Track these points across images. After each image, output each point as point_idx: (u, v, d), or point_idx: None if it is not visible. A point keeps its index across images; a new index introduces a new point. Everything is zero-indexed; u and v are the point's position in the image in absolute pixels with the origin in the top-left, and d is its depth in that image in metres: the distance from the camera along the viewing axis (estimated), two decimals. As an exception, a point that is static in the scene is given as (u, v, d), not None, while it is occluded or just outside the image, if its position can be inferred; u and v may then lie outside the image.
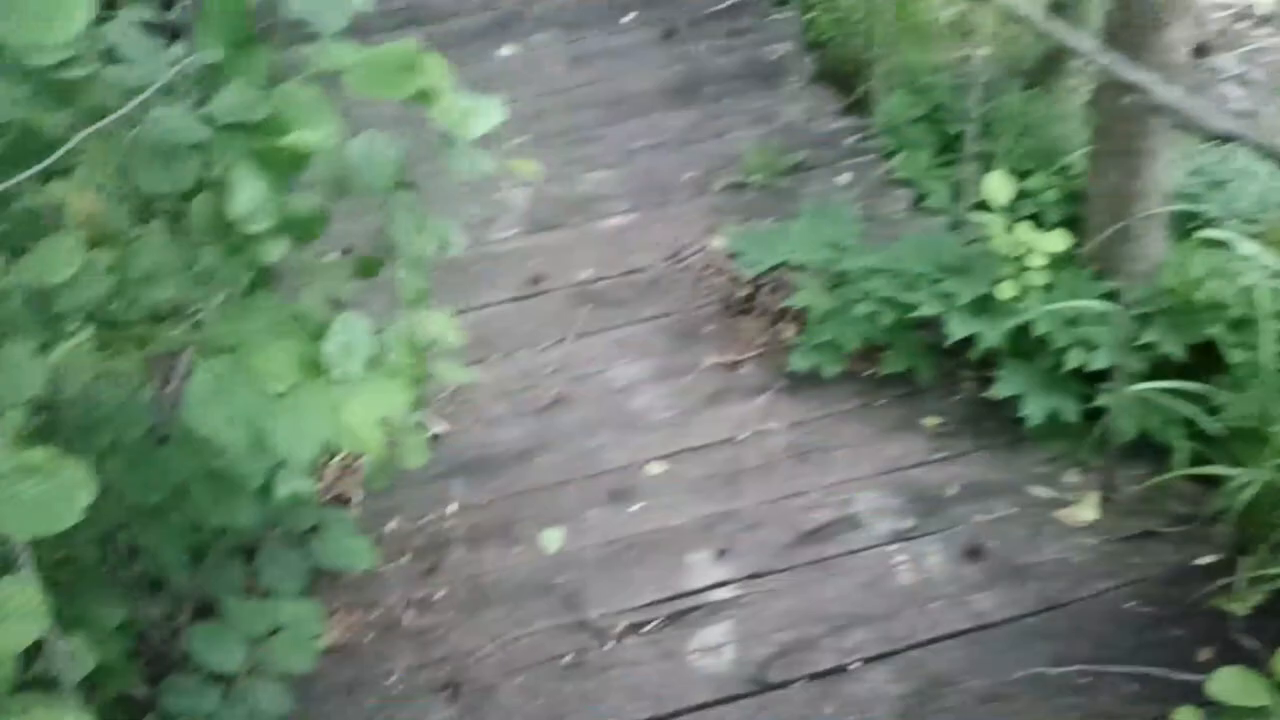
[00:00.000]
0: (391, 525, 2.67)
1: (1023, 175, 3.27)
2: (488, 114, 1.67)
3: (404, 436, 2.09)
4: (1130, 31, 2.37)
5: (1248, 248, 2.57)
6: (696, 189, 3.58)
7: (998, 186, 2.63)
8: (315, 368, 1.46)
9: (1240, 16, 5.52)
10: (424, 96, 1.80)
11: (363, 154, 1.69)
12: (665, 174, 3.65)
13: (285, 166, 1.64)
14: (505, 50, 4.19)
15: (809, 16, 4.22)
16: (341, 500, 2.70)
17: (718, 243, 3.34)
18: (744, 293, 3.18)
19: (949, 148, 3.56)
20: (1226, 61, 4.93)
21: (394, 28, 4.29)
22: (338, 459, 2.74)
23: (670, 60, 4.13)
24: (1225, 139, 1.74)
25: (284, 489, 1.95)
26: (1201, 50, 4.93)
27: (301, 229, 1.69)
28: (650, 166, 3.69)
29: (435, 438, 2.84)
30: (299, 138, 1.61)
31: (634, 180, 3.64)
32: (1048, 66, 3.56)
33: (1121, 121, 2.47)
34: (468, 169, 1.69)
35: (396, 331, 1.75)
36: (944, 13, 4.11)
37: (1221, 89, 4.72)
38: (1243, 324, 2.50)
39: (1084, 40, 2.18)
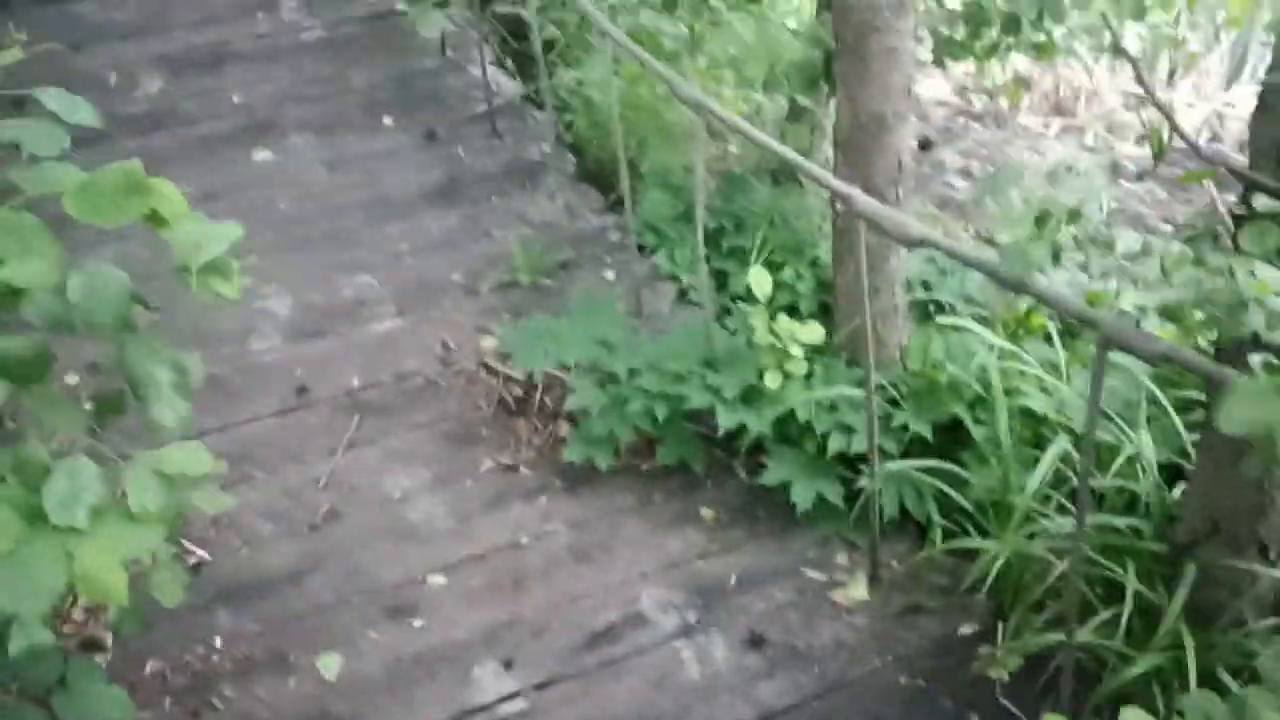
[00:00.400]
0: (150, 667, 2.47)
1: (777, 267, 3.45)
2: (222, 237, 1.60)
3: (156, 572, 1.95)
4: (856, 138, 2.55)
5: (977, 330, 2.79)
6: (464, 290, 3.57)
7: (759, 281, 2.75)
8: (41, 517, 1.36)
9: (959, 112, 6.07)
10: (155, 220, 1.72)
11: (85, 288, 1.58)
12: (432, 276, 3.62)
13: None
14: (260, 155, 4.08)
15: (566, 119, 4.34)
16: (93, 645, 2.49)
17: (489, 343, 3.33)
18: (518, 392, 3.17)
19: (707, 243, 3.70)
20: (949, 155, 5.39)
21: (138, 133, 4.10)
22: (83, 600, 2.53)
23: (432, 163, 4.13)
24: (920, 245, 1.88)
25: (18, 643, 1.78)
26: (925, 145, 5.38)
27: (22, 371, 1.57)
28: (416, 269, 3.66)
29: (196, 567, 2.67)
30: (10, 273, 1.51)
31: (400, 284, 3.59)
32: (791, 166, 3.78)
33: (852, 228, 2.65)
34: (207, 294, 1.61)
35: (140, 468, 1.64)
36: (688, 115, 4.31)
37: (947, 180, 5.15)
38: (981, 402, 2.70)
39: (790, 153, 2.32)
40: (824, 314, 3.37)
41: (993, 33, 3.06)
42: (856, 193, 2.00)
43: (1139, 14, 2.73)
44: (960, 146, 5.52)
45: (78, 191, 1.68)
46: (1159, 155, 5.85)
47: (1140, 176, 6.00)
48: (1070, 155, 5.99)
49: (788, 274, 3.43)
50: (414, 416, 3.13)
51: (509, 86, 4.52)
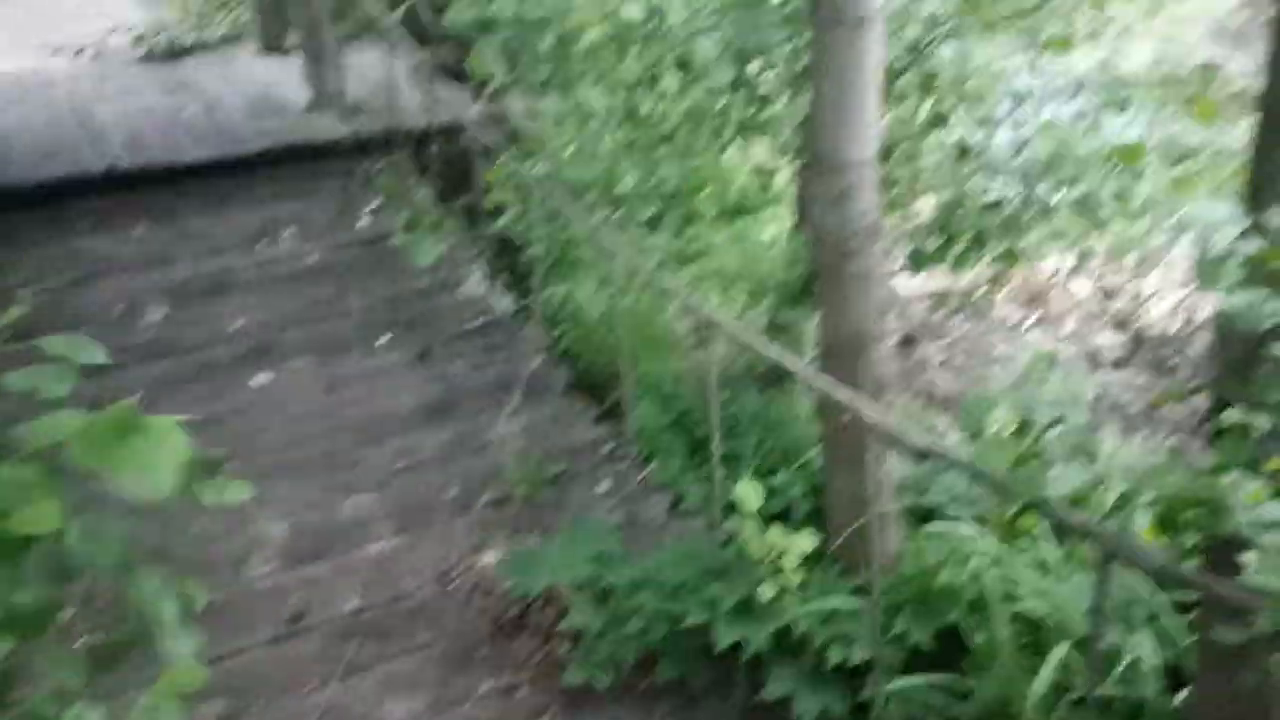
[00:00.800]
0: None
1: (769, 473, 3.50)
2: (234, 491, 1.64)
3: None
4: (840, 353, 2.65)
5: (969, 533, 2.82)
6: (460, 507, 3.59)
7: (747, 493, 2.79)
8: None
9: (939, 305, 6.25)
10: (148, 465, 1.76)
11: (84, 535, 1.62)
12: (428, 494, 3.66)
13: (4, 554, 1.56)
14: (260, 378, 4.18)
15: (558, 331, 4.47)
16: None
17: (485, 560, 3.33)
18: (515, 611, 3.16)
19: (699, 450, 3.77)
20: (931, 350, 5.53)
21: (142, 361, 4.21)
22: None
23: (427, 380, 4.23)
24: (924, 455, 1.94)
25: None
26: (908, 341, 5.52)
27: (28, 624, 1.59)
28: (412, 487, 3.69)
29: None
30: (19, 522, 1.54)
31: (396, 502, 3.62)
32: (779, 371, 3.89)
33: (843, 432, 2.71)
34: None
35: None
36: (678, 325, 4.45)
37: (930, 377, 5.27)
38: (978, 606, 2.70)
39: (796, 361, 2.42)
40: (817, 518, 3.39)
41: (961, 245, 3.22)
42: (865, 405, 2.07)
43: (1100, 225, 2.89)
44: (941, 342, 5.67)
45: (79, 437, 1.74)
46: (1137, 344, 6.01)
47: (1118, 364, 6.14)
48: (1049, 346, 6.14)
49: (780, 479, 3.47)
50: (412, 639, 3.10)
51: (501, 302, 4.67)
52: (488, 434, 3.94)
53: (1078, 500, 2.79)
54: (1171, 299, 6.64)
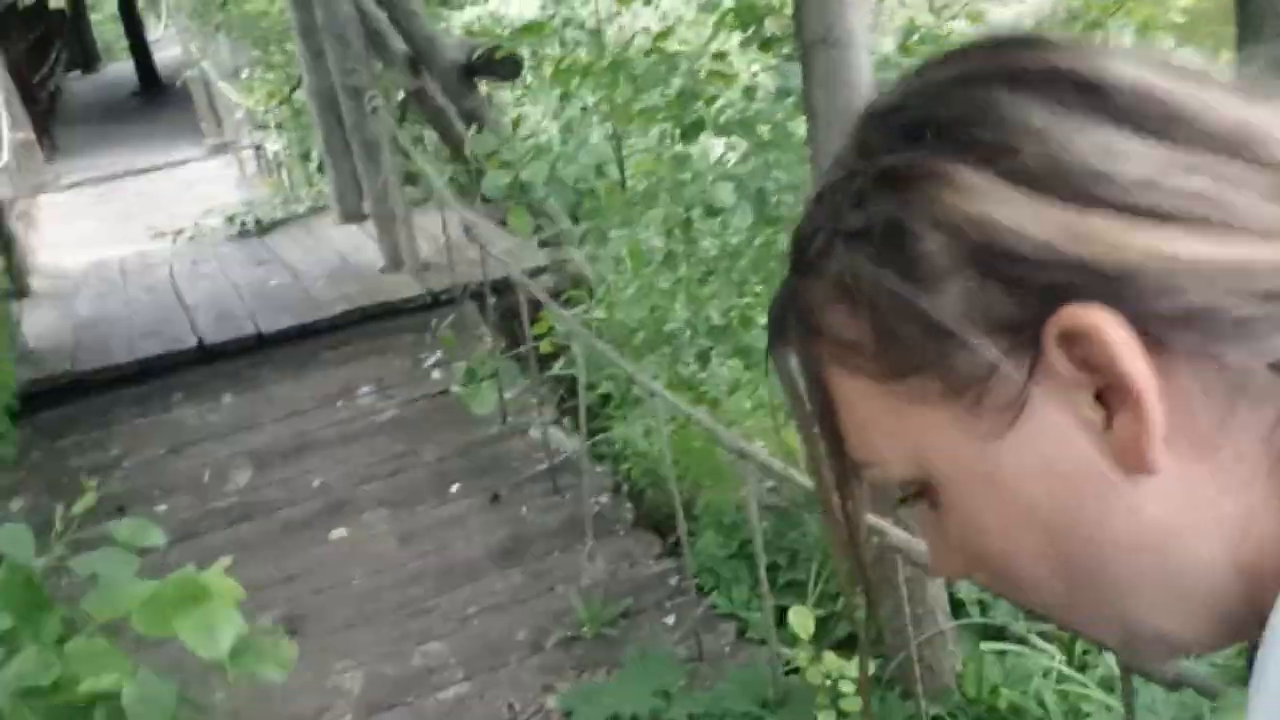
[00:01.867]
0: None
1: (833, 598, 3.49)
2: (280, 654, 1.75)
3: None
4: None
5: (1032, 650, 2.77)
6: (530, 648, 3.65)
7: (800, 620, 2.80)
8: None
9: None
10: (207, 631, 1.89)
11: (137, 698, 1.74)
12: (499, 637, 3.73)
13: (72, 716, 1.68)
14: (337, 533, 4.34)
15: (624, 468, 4.56)
16: None
17: (553, 702, 3.37)
18: (583, 753, 3.18)
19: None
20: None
21: (227, 524, 4.42)
22: None
23: (497, 524, 4.34)
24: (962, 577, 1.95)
25: None
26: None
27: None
28: (483, 631, 3.77)
29: None
30: (86, 691, 1.67)
31: (468, 647, 3.69)
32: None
33: (876, 555, 2.72)
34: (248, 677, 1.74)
35: None
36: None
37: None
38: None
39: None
40: (880, 642, 3.36)
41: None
42: (891, 528, 2.10)
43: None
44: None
45: (142, 608, 1.88)
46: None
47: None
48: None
49: (843, 605, 3.46)
50: (482, 787, 3.14)
51: (567, 444, 4.79)
52: (557, 574, 4.01)
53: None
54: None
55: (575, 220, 3.77)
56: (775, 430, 4.48)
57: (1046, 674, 2.67)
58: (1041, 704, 2.61)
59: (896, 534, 2.13)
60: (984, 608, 3.24)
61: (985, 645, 2.87)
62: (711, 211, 3.40)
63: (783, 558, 3.77)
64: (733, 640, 3.57)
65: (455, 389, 4.22)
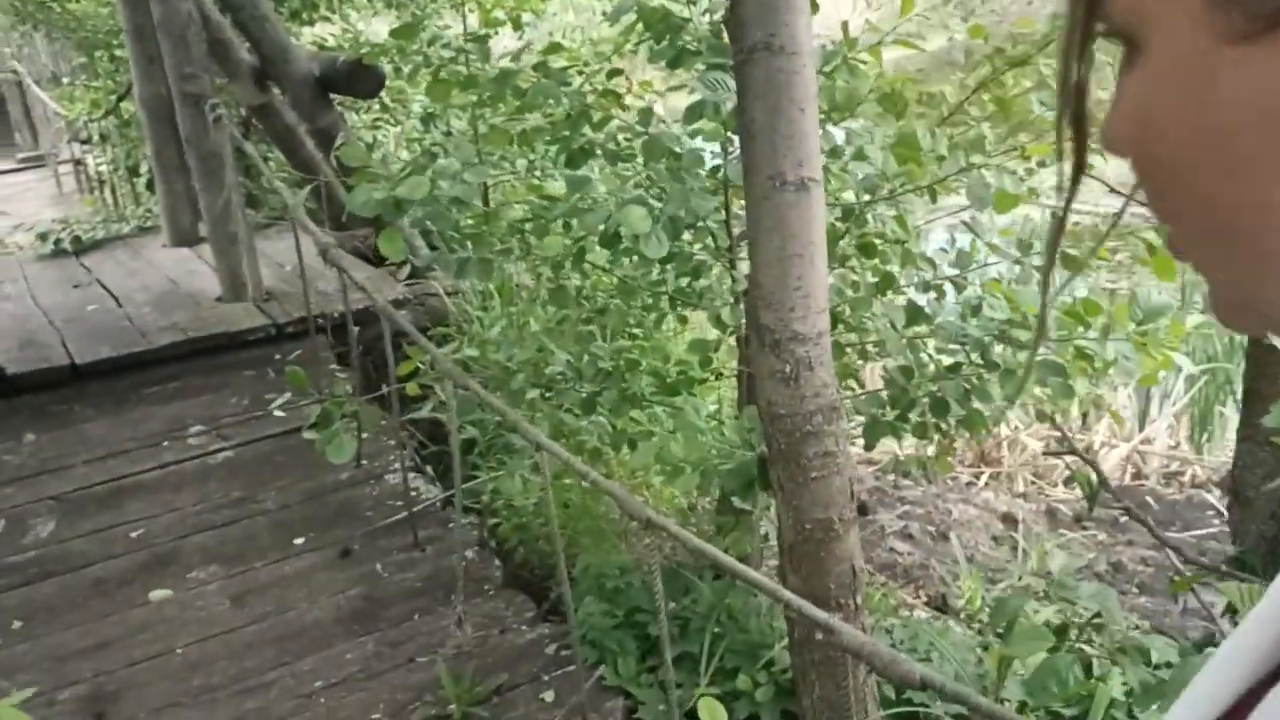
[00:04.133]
0: None
1: (730, 674, 3.16)
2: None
3: None
4: (804, 547, 2.37)
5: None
6: (387, 732, 3.18)
7: (711, 712, 2.45)
8: None
9: (889, 469, 6.03)
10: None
11: None
12: (350, 716, 3.24)
13: None
14: (157, 594, 3.76)
15: (491, 522, 4.14)
16: None
17: (416, 798, 2.92)
18: None
19: (654, 650, 3.42)
20: (887, 518, 5.27)
21: (24, 584, 3.78)
22: None
23: (348, 583, 3.84)
24: (921, 687, 1.65)
25: None
26: (862, 510, 5.27)
27: None
28: (331, 710, 3.27)
29: None
30: None
31: (314, 731, 3.20)
32: (749, 559, 3.59)
33: (816, 640, 2.41)
34: None
35: None
36: (621, 512, 4.15)
37: (890, 545, 5.00)
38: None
39: (748, 571, 2.11)
40: (788, 723, 3.05)
41: (922, 413, 3.00)
42: (844, 627, 1.78)
43: (1069, 396, 2.69)
44: (897, 509, 5.43)
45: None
46: (1093, 499, 5.82)
47: (1078, 519, 5.94)
48: (1004, 506, 5.94)
49: (742, 681, 3.13)
50: None
51: (429, 492, 4.34)
52: (419, 641, 3.55)
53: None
54: (1122, 450, 6.52)
55: (452, 248, 3.35)
56: (656, 486, 4.16)
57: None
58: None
59: (851, 634, 1.81)
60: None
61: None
62: (606, 241, 3.05)
63: (672, 625, 3.43)
64: (622, 719, 3.19)
65: (306, 434, 3.73)
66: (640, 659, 3.38)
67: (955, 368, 2.90)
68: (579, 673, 3.31)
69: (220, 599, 3.78)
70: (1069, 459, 6.17)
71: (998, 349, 2.92)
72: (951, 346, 2.90)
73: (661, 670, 3.25)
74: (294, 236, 4.81)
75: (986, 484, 6.33)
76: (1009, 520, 5.77)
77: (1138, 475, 6.55)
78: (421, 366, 3.72)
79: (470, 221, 3.93)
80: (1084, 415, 6.76)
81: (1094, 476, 5.85)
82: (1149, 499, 6.13)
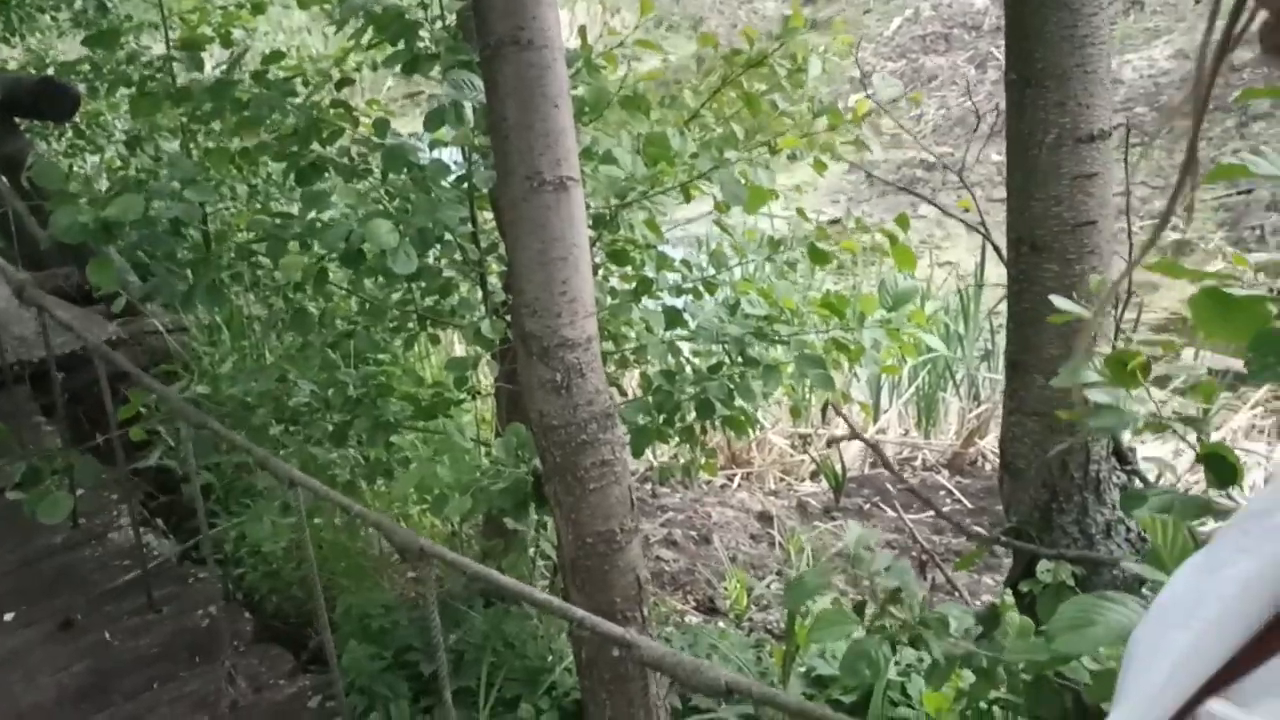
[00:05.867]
0: None
1: (511, 704, 3.02)
2: None
3: None
4: (585, 561, 2.27)
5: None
6: (130, 821, 2.83)
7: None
8: None
9: (642, 479, 6.02)
10: None
11: None
12: (85, 810, 2.87)
13: None
14: None
15: (237, 573, 3.81)
16: None
17: None
18: None
19: (428, 690, 3.23)
20: (650, 527, 5.27)
21: None
22: None
23: (72, 657, 3.42)
24: (727, 693, 1.59)
25: None
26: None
27: None
28: (62, 805, 2.89)
29: None
30: None
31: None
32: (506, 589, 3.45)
33: (606, 650, 2.31)
34: None
35: None
36: (381, 548, 3.93)
37: (657, 554, 4.99)
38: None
39: (530, 591, 2.00)
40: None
41: (689, 417, 2.97)
42: (643, 640, 1.68)
43: (828, 386, 2.74)
44: (659, 518, 5.44)
45: None
46: (839, 489, 6.06)
47: (826, 511, 6.17)
48: (757, 505, 6.08)
49: (525, 711, 3.00)
50: None
51: (161, 547, 3.95)
52: (158, 713, 3.20)
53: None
54: (857, 444, 6.83)
55: (173, 273, 3.05)
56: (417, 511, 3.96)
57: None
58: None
59: (651, 647, 1.72)
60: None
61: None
62: (349, 260, 2.85)
63: (446, 657, 3.24)
64: (398, 771, 2.98)
65: (12, 494, 3.30)
66: (414, 700, 3.18)
67: (717, 367, 2.90)
68: (348, 724, 3.08)
69: (-87, 694, 3.27)
70: (815, 453, 6.41)
71: (756, 347, 2.93)
72: (712, 347, 2.89)
73: (440, 709, 3.07)
74: (-17, 275, 4.27)
75: (739, 485, 6.47)
76: (764, 518, 5.91)
77: (875, 465, 6.87)
78: (144, 410, 3.36)
79: (190, 248, 3.61)
80: (822, 411, 7.04)
81: (839, 471, 6.10)
82: (889, 485, 6.45)
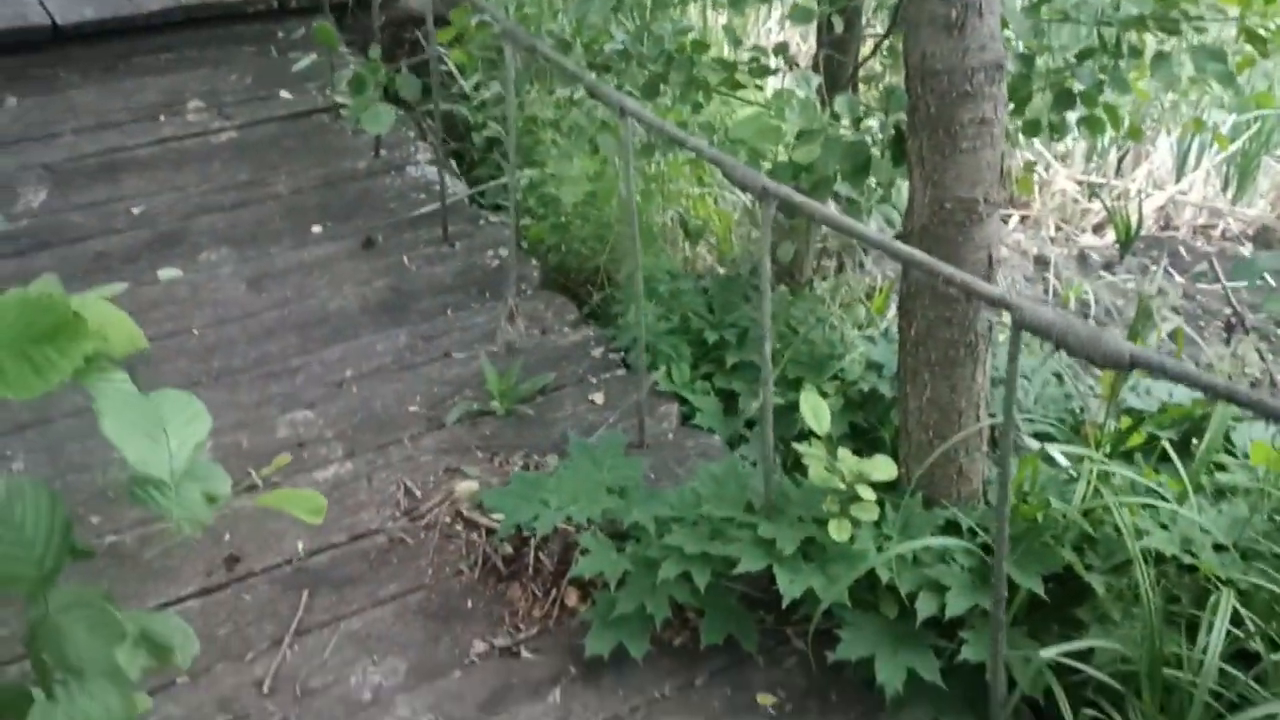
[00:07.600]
0: None
1: (794, 385, 2.96)
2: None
3: None
4: (939, 230, 2.09)
5: (1076, 453, 2.33)
6: (427, 423, 2.99)
7: (814, 411, 2.25)
8: None
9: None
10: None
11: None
12: (385, 407, 3.05)
13: None
14: (167, 273, 3.46)
15: (525, 222, 3.84)
16: None
17: (464, 487, 2.75)
18: (508, 550, 2.59)
19: (708, 358, 3.22)
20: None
21: (18, 254, 3.48)
22: None
23: (373, 274, 3.57)
24: (1133, 367, 1.40)
25: None
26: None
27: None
28: (365, 400, 3.07)
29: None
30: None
31: (347, 418, 3.00)
32: (798, 265, 3.34)
33: (939, 329, 2.17)
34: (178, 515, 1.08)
35: None
36: (668, 214, 3.86)
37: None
38: (1090, 543, 2.22)
39: (928, 259, 1.83)
40: (855, 438, 2.89)
41: (1040, 103, 2.67)
42: (1024, 303, 1.53)
43: (1229, 83, 2.37)
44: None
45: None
46: (1127, 245, 5.61)
47: (1108, 266, 5.75)
48: (1033, 249, 5.72)
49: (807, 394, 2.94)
50: (379, 588, 2.51)
51: (456, 187, 4.01)
52: (452, 337, 3.32)
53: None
54: (1158, 199, 6.26)
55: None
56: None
57: (1095, 477, 2.23)
58: (1089, 516, 2.18)
59: (1036, 313, 1.55)
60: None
61: (1026, 446, 2.41)
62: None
63: (730, 334, 3.21)
64: (676, 426, 3.01)
65: (343, 100, 3.34)
66: (693, 365, 3.18)
67: (1088, 52, 2.55)
68: (628, 377, 3.12)
69: (235, 282, 3.50)
70: (1109, 200, 5.91)
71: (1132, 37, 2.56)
72: (1088, 30, 2.54)
73: (720, 372, 3.06)
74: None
75: (1016, 228, 6.08)
76: (1040, 263, 5.57)
77: (1167, 226, 6.31)
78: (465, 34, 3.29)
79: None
80: (1120, 160, 6.45)
81: (1133, 225, 5.62)
82: (1181, 249, 5.94)
